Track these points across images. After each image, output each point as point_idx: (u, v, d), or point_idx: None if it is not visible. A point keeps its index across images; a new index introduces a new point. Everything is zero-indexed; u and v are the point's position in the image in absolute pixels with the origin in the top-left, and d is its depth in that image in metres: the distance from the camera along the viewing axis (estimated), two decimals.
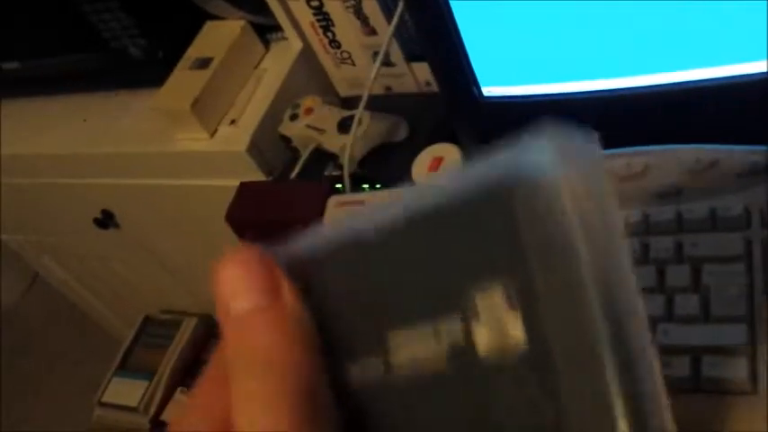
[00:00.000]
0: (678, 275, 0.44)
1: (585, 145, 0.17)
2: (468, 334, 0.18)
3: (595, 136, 0.17)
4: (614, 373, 0.16)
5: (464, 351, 0.18)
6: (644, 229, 0.46)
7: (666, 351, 0.42)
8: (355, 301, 0.21)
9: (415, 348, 0.19)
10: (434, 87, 0.82)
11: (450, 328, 0.18)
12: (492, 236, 0.18)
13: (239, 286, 0.21)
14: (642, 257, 0.45)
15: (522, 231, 0.17)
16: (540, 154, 0.17)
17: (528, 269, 0.17)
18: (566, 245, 0.16)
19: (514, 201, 0.17)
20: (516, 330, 0.17)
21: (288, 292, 0.21)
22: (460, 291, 0.18)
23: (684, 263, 0.44)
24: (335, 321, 0.21)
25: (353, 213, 0.23)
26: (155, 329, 1.15)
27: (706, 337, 0.41)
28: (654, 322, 0.43)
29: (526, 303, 0.17)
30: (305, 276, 0.21)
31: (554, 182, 0.16)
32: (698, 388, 0.40)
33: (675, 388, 0.41)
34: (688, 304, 0.42)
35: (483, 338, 0.18)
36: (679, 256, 0.45)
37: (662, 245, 0.45)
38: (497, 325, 0.18)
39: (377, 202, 0.22)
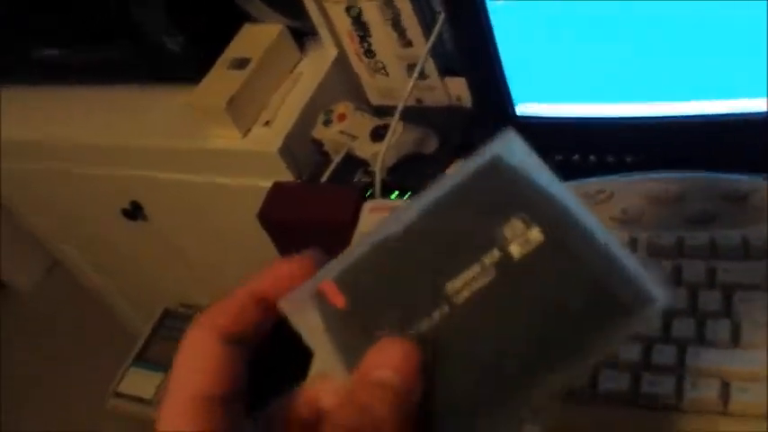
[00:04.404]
0: (710, 300, 0.45)
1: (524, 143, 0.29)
2: (505, 253, 0.27)
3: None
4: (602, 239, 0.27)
5: (506, 263, 0.27)
6: (678, 253, 0.47)
7: (696, 373, 0.43)
8: (408, 276, 0.28)
9: (472, 284, 0.27)
10: (465, 103, 0.83)
11: (492, 258, 0.27)
12: (497, 191, 0.28)
13: None
14: (675, 280, 0.46)
15: (512, 182, 0.28)
16: (506, 144, 0.29)
17: (528, 202, 0.27)
18: (536, 183, 0.28)
19: (501, 167, 0.28)
20: (535, 234, 0.27)
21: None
22: (491, 233, 0.28)
23: (716, 288, 0.45)
24: (393, 296, 0.28)
25: (382, 220, 0.29)
26: (173, 323, 1.16)
27: (735, 362, 0.42)
28: (684, 345, 0.44)
29: (535, 219, 0.27)
30: (355, 278, 0.29)
31: (517, 151, 0.28)
32: (726, 411, 0.41)
33: (704, 410, 0.42)
34: (719, 329, 0.43)
35: (516, 250, 0.27)
36: (711, 281, 0.46)
37: (695, 269, 0.46)
38: (523, 238, 0.27)
39: (400, 207, 0.29)
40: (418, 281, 0.28)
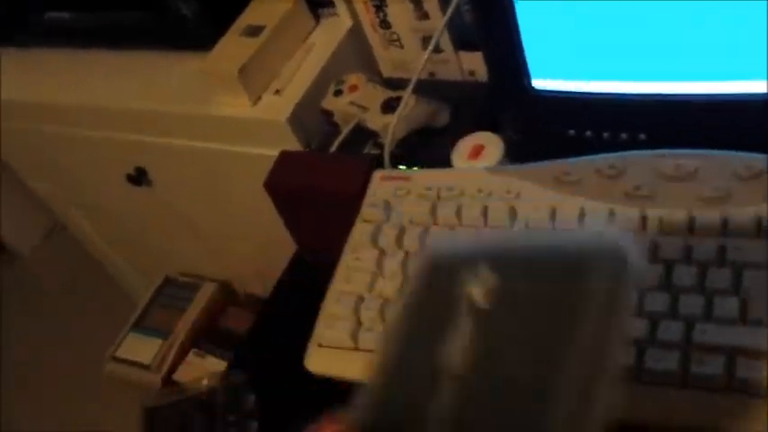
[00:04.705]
0: (719, 278, 0.44)
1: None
2: (474, 308, 0.30)
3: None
4: None
5: (479, 314, 0.30)
6: (688, 231, 0.47)
7: (702, 349, 0.42)
8: (408, 381, 0.31)
9: (461, 346, 0.30)
10: (478, 77, 0.83)
11: (467, 320, 0.30)
12: (439, 284, 0.32)
13: None
14: (685, 257, 0.46)
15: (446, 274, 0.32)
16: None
17: (467, 267, 0.31)
18: (463, 254, 0.33)
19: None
20: (485, 276, 0.30)
21: None
22: (454, 305, 0.30)
23: (726, 266, 0.45)
24: (408, 408, 0.30)
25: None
26: (173, 291, 1.16)
27: (742, 339, 0.42)
28: (692, 321, 0.43)
29: (480, 268, 0.30)
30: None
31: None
32: (730, 387, 0.41)
33: (709, 386, 0.42)
34: (727, 306, 0.43)
35: (480, 298, 0.30)
36: (721, 258, 0.45)
37: (705, 247, 0.46)
38: (480, 286, 0.30)
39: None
40: (417, 380, 0.30)
